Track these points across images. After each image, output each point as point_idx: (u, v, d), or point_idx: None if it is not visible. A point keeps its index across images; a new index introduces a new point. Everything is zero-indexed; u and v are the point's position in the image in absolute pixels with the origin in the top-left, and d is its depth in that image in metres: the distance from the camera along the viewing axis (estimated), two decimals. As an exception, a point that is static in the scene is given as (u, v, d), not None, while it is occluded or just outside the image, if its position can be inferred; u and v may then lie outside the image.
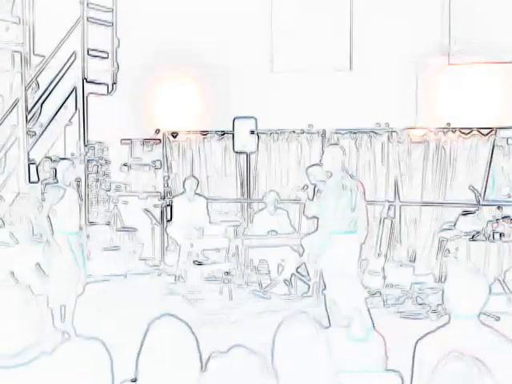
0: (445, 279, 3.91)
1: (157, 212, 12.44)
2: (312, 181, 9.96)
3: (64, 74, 11.94)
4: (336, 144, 8.87)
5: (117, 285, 10.41)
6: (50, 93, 11.80)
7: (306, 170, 10.10)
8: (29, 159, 11.22)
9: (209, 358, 3.07)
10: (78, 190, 8.33)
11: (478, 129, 10.83)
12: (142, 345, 3.17)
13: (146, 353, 3.14)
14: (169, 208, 12.18)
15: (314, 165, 10.41)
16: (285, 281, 10.26)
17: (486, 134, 10.80)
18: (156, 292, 10.32)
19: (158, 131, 12.51)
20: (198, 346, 3.16)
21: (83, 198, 11.97)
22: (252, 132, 11.67)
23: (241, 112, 11.52)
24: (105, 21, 12.49)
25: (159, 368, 3.10)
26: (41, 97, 11.73)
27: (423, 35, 11.11)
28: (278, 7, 12.12)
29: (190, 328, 3.19)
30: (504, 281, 9.49)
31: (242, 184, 12.22)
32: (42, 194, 11.23)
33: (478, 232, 9.98)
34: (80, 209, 8.45)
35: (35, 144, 11.48)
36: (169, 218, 12.14)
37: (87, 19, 12.11)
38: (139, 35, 12.07)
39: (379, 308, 9.23)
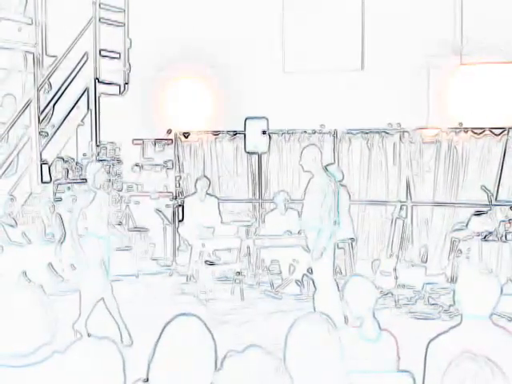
0: (457, 280, 3.91)
1: (168, 212, 12.46)
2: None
3: (76, 74, 11.98)
4: (313, 144, 8.87)
5: (128, 285, 10.42)
6: (62, 93, 11.84)
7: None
8: (41, 159, 11.26)
9: (224, 358, 3.07)
10: (108, 192, 8.22)
11: (491, 129, 10.79)
12: (156, 344, 3.17)
13: (160, 352, 3.14)
14: (180, 208, 12.20)
15: (328, 164, 10.43)
16: (296, 281, 10.25)
17: (499, 134, 10.76)
18: (168, 292, 10.33)
19: (169, 131, 12.53)
20: (215, 346, 3.17)
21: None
22: (264, 132, 11.67)
23: (252, 112, 11.52)
24: (117, 21, 12.52)
25: (173, 368, 3.10)
26: (53, 97, 11.77)
27: (435, 35, 11.09)
28: (289, 7, 12.12)
29: (208, 328, 3.20)
30: (517, 281, 9.45)
31: (253, 184, 12.22)
32: (54, 194, 11.30)
33: (490, 232, 9.95)
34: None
35: (47, 144, 11.53)
36: (180, 218, 12.15)
37: (99, 20, 12.14)
38: (151, 35, 12.09)
39: (391, 308, 9.22)
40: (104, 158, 12.50)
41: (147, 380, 3.15)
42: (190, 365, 3.09)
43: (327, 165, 10.37)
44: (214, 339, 3.19)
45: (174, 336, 3.16)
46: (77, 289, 10.25)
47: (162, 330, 3.18)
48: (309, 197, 8.06)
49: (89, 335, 7.63)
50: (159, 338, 3.17)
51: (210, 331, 3.19)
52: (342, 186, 10.00)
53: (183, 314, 3.24)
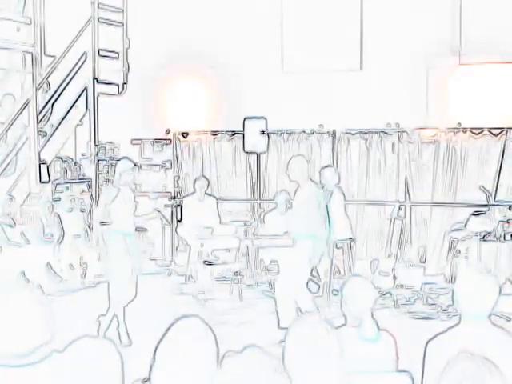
0: (455, 280, 3.91)
1: (167, 212, 12.45)
2: (322, 181, 9.99)
3: (75, 74, 11.98)
4: (301, 155, 8.99)
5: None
6: (60, 93, 11.84)
7: (320, 171, 10.13)
8: (40, 159, 11.26)
9: (223, 358, 3.07)
10: (133, 190, 8.01)
11: (489, 129, 10.80)
12: (158, 344, 3.17)
13: (161, 353, 3.14)
14: (179, 208, 12.20)
15: (325, 167, 10.44)
16: (295, 281, 10.25)
17: (497, 134, 10.77)
18: (166, 292, 10.33)
19: (168, 131, 12.53)
20: (217, 348, 3.17)
21: (94, 197, 12.01)
22: (262, 132, 11.67)
23: (251, 112, 11.52)
24: (115, 21, 12.52)
25: (174, 368, 3.10)
26: (52, 97, 11.77)
27: (434, 35, 11.10)
28: (288, 7, 12.13)
29: (211, 328, 3.19)
30: (515, 281, 9.46)
31: (252, 184, 12.23)
32: (53, 194, 11.29)
33: (488, 232, 9.96)
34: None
35: (46, 144, 11.53)
36: (179, 218, 12.16)
37: (98, 19, 12.15)
38: (149, 35, 12.10)
39: (390, 308, 9.22)
40: (103, 157, 12.51)
41: (146, 380, 3.15)
42: (192, 365, 3.10)
43: (324, 167, 10.40)
44: (216, 341, 3.19)
45: (176, 337, 3.16)
46: (76, 289, 10.29)
47: (165, 332, 3.17)
48: (298, 207, 8.10)
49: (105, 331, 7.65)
50: (161, 339, 3.17)
51: (212, 332, 3.19)
52: (337, 186, 10.02)
53: (185, 316, 3.23)
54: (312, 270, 10.23)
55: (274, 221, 10.74)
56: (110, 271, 7.85)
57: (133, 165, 7.89)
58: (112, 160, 12.71)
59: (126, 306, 7.74)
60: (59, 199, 11.30)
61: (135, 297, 7.74)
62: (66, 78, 11.89)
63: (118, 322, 7.73)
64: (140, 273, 7.92)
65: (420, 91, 11.29)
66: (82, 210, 11.71)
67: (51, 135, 11.64)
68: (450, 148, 11.09)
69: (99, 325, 7.68)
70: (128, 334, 7.71)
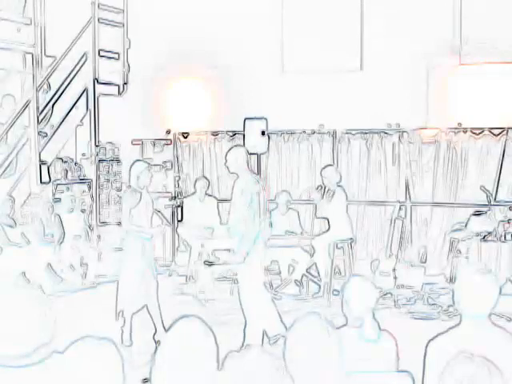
0: (456, 280, 3.91)
1: (168, 212, 12.45)
2: (324, 181, 9.99)
3: (75, 74, 11.99)
4: (239, 145, 8.62)
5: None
6: (61, 94, 11.85)
7: (321, 171, 10.13)
8: (40, 160, 11.26)
9: (225, 358, 3.07)
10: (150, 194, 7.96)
11: (490, 129, 10.80)
12: (158, 345, 3.17)
13: (162, 353, 3.14)
14: (180, 208, 12.20)
15: (326, 166, 10.44)
16: (295, 281, 10.26)
17: (498, 135, 10.77)
18: (167, 292, 10.32)
19: (168, 132, 12.53)
20: (218, 348, 3.17)
21: (94, 198, 12.01)
22: (263, 133, 11.66)
23: (252, 112, 11.51)
24: (116, 21, 12.52)
25: (175, 368, 3.10)
26: (52, 98, 11.78)
27: (434, 35, 11.10)
28: (288, 8, 12.13)
29: (211, 329, 3.19)
30: (516, 281, 9.46)
31: (252, 184, 12.21)
32: (53, 194, 11.29)
33: (489, 232, 9.95)
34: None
35: (46, 145, 11.53)
36: (180, 218, 12.16)
37: (98, 20, 12.15)
38: (150, 36, 12.10)
39: (390, 308, 9.22)
40: (103, 158, 12.51)
41: (147, 380, 3.15)
42: (192, 365, 3.10)
43: (325, 166, 10.40)
44: (216, 341, 3.19)
45: (176, 337, 3.16)
46: (76, 289, 10.29)
47: (165, 332, 3.17)
48: (234, 198, 7.70)
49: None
50: (161, 340, 3.17)
51: (212, 332, 3.19)
52: (339, 186, 10.02)
53: (185, 316, 3.23)
54: (309, 268, 10.28)
55: (275, 221, 10.74)
56: (124, 274, 7.79)
57: (147, 165, 7.84)
58: (113, 160, 12.72)
59: (140, 310, 7.72)
60: (60, 200, 11.30)
61: (144, 305, 7.74)
62: (66, 79, 11.89)
63: (125, 321, 7.70)
64: (156, 278, 7.90)
65: (420, 91, 11.28)
66: (83, 211, 11.72)
67: (52, 136, 11.64)
68: (451, 148, 11.09)
69: (122, 333, 7.64)
70: (131, 335, 7.70)
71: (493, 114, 10.81)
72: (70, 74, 11.93)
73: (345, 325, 4.24)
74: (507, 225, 9.92)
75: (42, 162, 11.28)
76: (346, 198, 10.09)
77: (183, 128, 12.53)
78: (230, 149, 8.00)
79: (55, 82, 11.83)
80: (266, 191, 7.74)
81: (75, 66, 11.98)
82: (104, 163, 12.56)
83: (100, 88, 12.22)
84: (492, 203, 10.52)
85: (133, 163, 7.91)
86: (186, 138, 12.60)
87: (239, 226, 7.57)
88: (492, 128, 10.79)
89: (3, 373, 2.98)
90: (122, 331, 7.68)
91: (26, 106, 11.15)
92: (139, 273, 7.67)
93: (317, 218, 10.61)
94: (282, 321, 7.59)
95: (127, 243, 7.76)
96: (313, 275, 10.25)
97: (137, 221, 7.61)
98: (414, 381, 3.90)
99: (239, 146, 8.28)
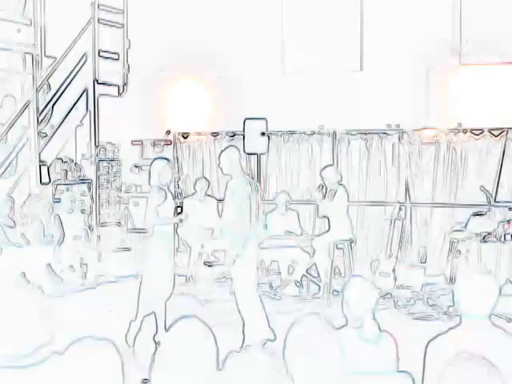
0: (456, 280, 3.91)
1: (167, 213, 12.43)
2: (324, 181, 9.99)
3: (75, 75, 11.99)
4: (232, 146, 8.59)
5: (128, 285, 10.41)
6: (61, 94, 11.85)
7: (321, 171, 10.12)
8: (40, 160, 11.26)
9: (226, 358, 3.07)
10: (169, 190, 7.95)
11: (490, 129, 10.80)
12: (158, 346, 3.17)
13: (161, 353, 3.15)
14: (179, 209, 12.19)
15: (326, 166, 10.43)
16: (295, 282, 10.26)
17: (498, 135, 10.77)
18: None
19: (168, 132, 12.54)
20: (217, 348, 3.17)
21: (94, 198, 12.01)
22: (263, 133, 11.67)
23: (251, 113, 11.51)
24: (116, 22, 12.53)
25: (175, 368, 3.11)
26: (52, 98, 11.78)
27: (434, 35, 11.09)
28: (288, 8, 12.13)
29: (211, 329, 3.20)
30: (516, 282, 9.45)
31: (252, 185, 12.21)
32: (53, 195, 11.29)
33: (489, 233, 9.95)
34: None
35: (46, 145, 11.53)
36: (179, 218, 12.14)
37: (98, 21, 12.15)
38: (150, 36, 12.10)
39: (390, 309, 9.21)
40: (103, 158, 12.51)
41: (146, 380, 3.15)
42: (191, 365, 3.10)
43: (325, 167, 10.40)
44: (215, 341, 3.19)
45: (176, 337, 3.16)
46: (76, 290, 10.29)
47: (165, 332, 3.18)
48: (226, 199, 7.75)
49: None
50: (161, 340, 3.17)
51: (212, 332, 3.20)
52: (341, 184, 10.01)
53: (185, 316, 3.23)
54: (309, 268, 10.28)
55: (274, 221, 10.75)
56: (151, 271, 7.75)
57: (166, 161, 7.79)
58: (112, 161, 12.72)
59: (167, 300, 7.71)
60: (59, 200, 11.30)
61: (171, 293, 7.74)
62: (66, 79, 11.89)
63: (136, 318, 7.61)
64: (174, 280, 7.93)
65: (420, 92, 11.28)
66: (83, 211, 11.72)
67: (51, 136, 11.65)
68: (451, 148, 11.09)
69: (128, 330, 7.59)
70: (136, 336, 7.65)
71: (493, 115, 10.81)
72: (69, 74, 11.93)
73: (345, 325, 4.24)
74: (507, 225, 9.91)
75: (41, 163, 11.27)
76: (348, 198, 10.09)
77: (183, 128, 12.53)
78: (224, 150, 7.97)
79: (55, 82, 11.83)
80: (259, 193, 7.73)
81: (75, 67, 11.98)
82: (104, 164, 12.56)
83: (100, 88, 12.22)
84: (492, 204, 10.51)
85: (152, 161, 7.82)
86: (185, 138, 12.60)
87: (230, 227, 7.58)
88: (492, 129, 10.79)
89: (4, 373, 2.98)
90: (130, 325, 7.53)
91: (26, 106, 11.15)
92: (161, 274, 7.68)
93: (319, 217, 10.60)
94: (269, 326, 7.58)
95: (151, 244, 7.73)
96: (313, 276, 10.25)
97: (161, 218, 7.62)
98: (413, 381, 3.90)
99: (232, 146, 8.25)
